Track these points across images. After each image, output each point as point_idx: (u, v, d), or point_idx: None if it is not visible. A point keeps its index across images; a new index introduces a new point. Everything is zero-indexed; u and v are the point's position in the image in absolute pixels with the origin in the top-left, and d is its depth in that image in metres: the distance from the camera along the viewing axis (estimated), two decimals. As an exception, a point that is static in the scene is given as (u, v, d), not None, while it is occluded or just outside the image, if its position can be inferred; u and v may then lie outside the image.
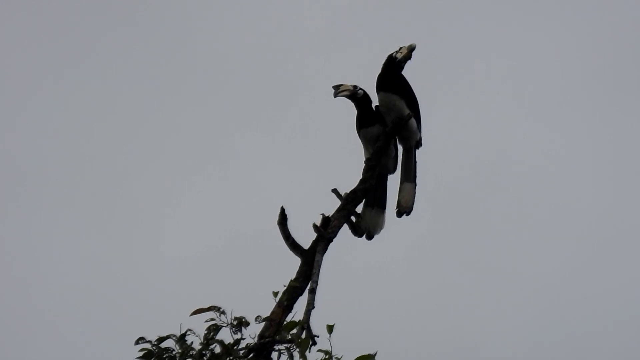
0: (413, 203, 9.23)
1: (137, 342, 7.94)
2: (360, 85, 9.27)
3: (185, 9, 17.47)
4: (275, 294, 8.19)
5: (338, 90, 9.24)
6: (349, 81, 9.26)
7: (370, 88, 9.22)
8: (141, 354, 7.93)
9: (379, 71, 9.20)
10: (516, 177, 16.33)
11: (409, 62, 9.17)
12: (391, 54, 9.18)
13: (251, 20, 17.41)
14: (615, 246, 15.96)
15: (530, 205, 16.18)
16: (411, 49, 9.15)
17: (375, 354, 7.83)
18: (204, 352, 7.87)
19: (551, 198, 16.22)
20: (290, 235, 8.68)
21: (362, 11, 17.14)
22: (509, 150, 16.35)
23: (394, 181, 9.28)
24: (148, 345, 7.92)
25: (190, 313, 7.96)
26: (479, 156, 15.80)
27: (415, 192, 9.24)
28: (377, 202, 9.22)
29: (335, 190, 8.91)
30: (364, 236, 9.17)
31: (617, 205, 16.35)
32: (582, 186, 16.51)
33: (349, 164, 9.26)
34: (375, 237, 9.19)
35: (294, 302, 8.25)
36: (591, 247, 15.93)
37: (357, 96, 9.25)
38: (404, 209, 9.22)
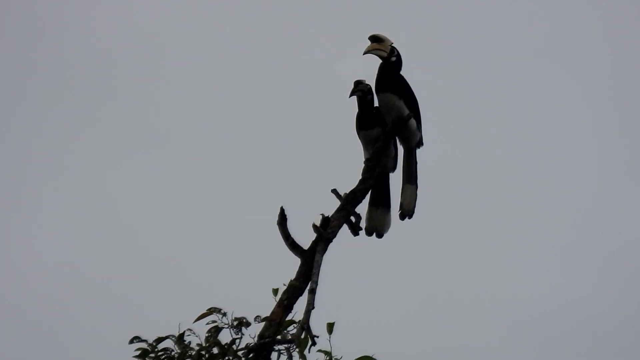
0: (415, 206, 9.22)
1: (131, 342, 7.92)
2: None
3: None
4: (275, 291, 8.19)
5: (357, 87, 9.24)
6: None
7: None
8: (137, 353, 7.91)
9: (377, 73, 9.22)
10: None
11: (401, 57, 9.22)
12: (385, 57, 9.18)
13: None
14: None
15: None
16: (372, 39, 9.19)
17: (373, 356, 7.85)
18: (202, 352, 7.86)
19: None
20: (290, 235, 8.67)
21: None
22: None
23: (395, 181, 9.29)
24: (144, 345, 7.90)
25: (193, 320, 7.96)
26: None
27: (416, 195, 9.23)
28: (382, 201, 9.24)
29: (335, 191, 8.90)
30: (374, 235, 9.21)
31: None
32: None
33: (349, 164, 9.25)
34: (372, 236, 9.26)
35: (294, 302, 8.24)
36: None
37: (367, 99, 9.26)
38: (406, 212, 9.22)
